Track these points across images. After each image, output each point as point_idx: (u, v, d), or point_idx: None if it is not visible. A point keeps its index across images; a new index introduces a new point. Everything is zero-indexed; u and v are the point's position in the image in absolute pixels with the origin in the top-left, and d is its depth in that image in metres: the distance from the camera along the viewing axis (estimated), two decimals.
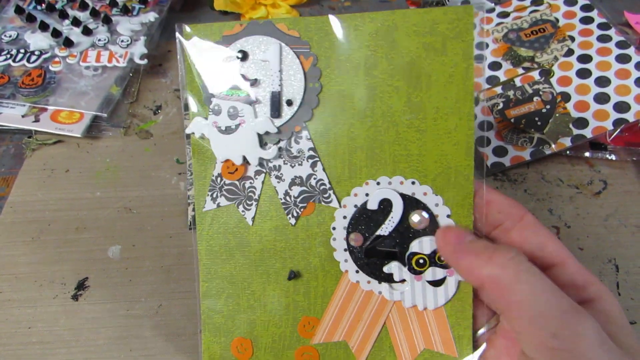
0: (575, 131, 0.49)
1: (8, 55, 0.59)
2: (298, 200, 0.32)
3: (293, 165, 0.32)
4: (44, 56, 0.59)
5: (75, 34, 0.61)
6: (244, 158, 0.32)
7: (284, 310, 0.33)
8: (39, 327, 0.41)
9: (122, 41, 0.61)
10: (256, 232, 0.33)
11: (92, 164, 0.52)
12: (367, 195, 0.31)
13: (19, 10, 0.63)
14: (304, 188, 0.32)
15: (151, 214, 0.48)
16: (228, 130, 0.32)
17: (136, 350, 0.40)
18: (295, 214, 0.32)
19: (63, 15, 0.63)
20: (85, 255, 0.46)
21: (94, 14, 0.64)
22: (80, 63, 0.59)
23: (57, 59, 0.59)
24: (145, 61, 0.60)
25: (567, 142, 0.49)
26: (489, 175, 0.50)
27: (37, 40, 0.60)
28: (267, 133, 0.32)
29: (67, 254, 0.46)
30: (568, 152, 0.50)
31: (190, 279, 0.44)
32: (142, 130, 0.56)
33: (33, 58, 0.59)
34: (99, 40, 0.61)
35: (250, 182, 0.33)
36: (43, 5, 0.65)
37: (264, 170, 0.32)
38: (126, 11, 0.65)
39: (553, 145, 0.49)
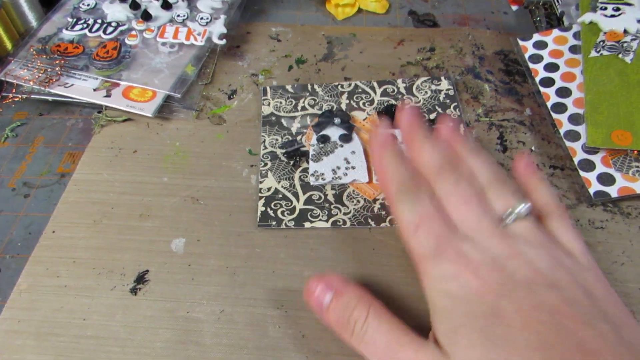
0: None
1: (85, 25, 0.57)
2: None
3: None
4: (120, 28, 0.57)
5: (154, 7, 0.58)
6: (625, 29, 0.50)
7: None
8: (94, 319, 0.38)
9: (201, 18, 0.58)
10: (632, 67, 0.47)
11: (161, 147, 0.49)
12: None
13: None
14: None
15: (219, 207, 0.44)
16: (612, 16, 0.51)
17: (194, 358, 0.36)
18: None
19: None
20: (147, 245, 0.42)
21: None
22: (157, 38, 0.56)
23: (133, 32, 0.56)
24: (224, 41, 0.56)
25: None
26: (594, 205, 0.44)
27: (115, 11, 0.58)
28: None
29: (128, 242, 0.42)
30: None
31: (256, 285, 0.40)
32: (215, 115, 0.52)
33: (110, 29, 0.56)
34: (178, 15, 0.58)
35: (627, 43, 0.49)
36: None
37: (637, 37, 0.50)
38: None
39: None
